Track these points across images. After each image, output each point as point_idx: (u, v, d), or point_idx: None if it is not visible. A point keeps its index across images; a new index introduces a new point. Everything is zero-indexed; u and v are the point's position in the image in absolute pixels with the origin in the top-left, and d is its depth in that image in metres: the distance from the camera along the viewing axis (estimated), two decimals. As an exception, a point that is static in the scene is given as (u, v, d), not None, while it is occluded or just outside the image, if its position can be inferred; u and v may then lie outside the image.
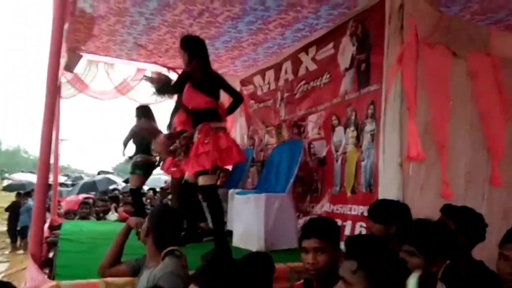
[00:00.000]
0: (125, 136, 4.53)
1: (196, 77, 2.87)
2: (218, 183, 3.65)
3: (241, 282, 1.06)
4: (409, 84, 2.67)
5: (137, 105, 4.85)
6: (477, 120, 2.93)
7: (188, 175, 3.03)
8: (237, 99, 3.15)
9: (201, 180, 2.84)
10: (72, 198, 10.04)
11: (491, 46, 2.98)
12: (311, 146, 3.85)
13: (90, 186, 12.61)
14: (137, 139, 4.45)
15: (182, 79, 2.94)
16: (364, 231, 2.89)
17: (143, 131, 4.28)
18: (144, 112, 4.54)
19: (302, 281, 1.88)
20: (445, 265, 1.56)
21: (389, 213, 2.15)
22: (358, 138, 3.21)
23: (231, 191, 3.86)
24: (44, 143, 2.36)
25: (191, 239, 3.17)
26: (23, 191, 9.45)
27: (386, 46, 2.82)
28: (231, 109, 3.18)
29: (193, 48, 2.97)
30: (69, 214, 6.50)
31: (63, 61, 4.11)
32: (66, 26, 3.25)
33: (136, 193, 4.56)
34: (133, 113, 4.61)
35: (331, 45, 3.58)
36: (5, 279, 6.08)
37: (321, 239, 1.73)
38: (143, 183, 4.67)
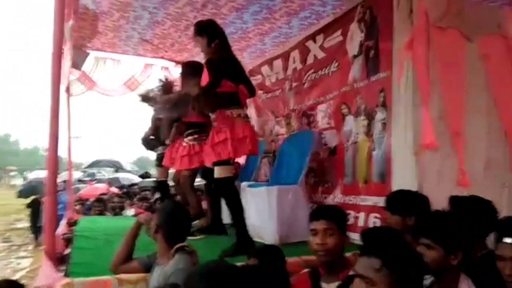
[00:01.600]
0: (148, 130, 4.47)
1: (216, 60, 2.77)
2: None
3: (253, 278, 1.03)
4: (421, 70, 2.59)
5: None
6: (493, 105, 2.84)
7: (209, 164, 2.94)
8: (250, 91, 2.97)
9: (217, 172, 2.76)
10: (90, 190, 10.21)
11: (505, 28, 2.87)
12: (322, 136, 3.80)
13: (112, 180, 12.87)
14: (158, 131, 4.42)
15: (212, 69, 2.72)
16: (378, 223, 2.84)
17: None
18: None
19: (307, 270, 1.85)
20: (463, 258, 1.52)
21: (407, 204, 2.10)
22: (369, 127, 3.15)
23: (243, 184, 3.84)
24: (51, 141, 2.36)
25: (216, 230, 3.14)
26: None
27: (395, 31, 2.74)
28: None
29: (210, 31, 2.89)
30: (86, 207, 6.59)
31: (68, 59, 4.13)
32: (70, 23, 3.25)
33: (162, 185, 4.55)
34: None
35: (339, 32, 3.51)
36: (29, 275, 6.25)
37: (330, 220, 1.79)
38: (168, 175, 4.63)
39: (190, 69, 3.31)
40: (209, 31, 2.89)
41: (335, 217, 1.82)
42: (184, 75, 3.47)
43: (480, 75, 2.81)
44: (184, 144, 3.59)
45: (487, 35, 2.84)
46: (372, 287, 1.16)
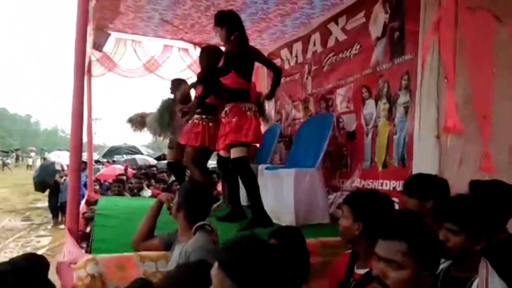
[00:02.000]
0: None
1: (235, 55, 2.89)
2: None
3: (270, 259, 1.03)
4: (447, 52, 2.52)
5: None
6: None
7: (222, 152, 3.18)
8: (277, 72, 3.19)
9: (233, 153, 2.93)
10: (110, 169, 10.42)
11: (539, 9, 2.74)
12: (340, 120, 3.76)
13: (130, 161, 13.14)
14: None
15: (227, 61, 2.91)
16: (397, 207, 2.81)
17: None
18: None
19: (349, 251, 1.85)
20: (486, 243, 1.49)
21: (426, 187, 2.05)
22: (391, 111, 3.09)
23: (260, 166, 3.84)
24: (75, 121, 2.40)
25: (237, 217, 3.19)
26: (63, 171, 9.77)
27: (423, 12, 2.67)
28: (275, 83, 3.23)
29: (230, 23, 2.96)
30: (104, 187, 6.74)
31: (91, 39, 4.15)
32: (92, 3, 3.25)
33: (174, 167, 4.58)
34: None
35: (362, 13, 3.43)
36: (49, 253, 6.46)
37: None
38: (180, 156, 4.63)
39: (206, 54, 3.56)
40: (229, 23, 2.96)
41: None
42: (201, 58, 3.68)
43: (510, 57, 2.71)
44: (195, 121, 3.62)
45: (520, 17, 2.72)
46: (398, 270, 1.15)
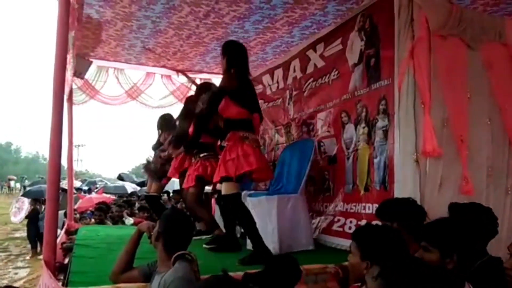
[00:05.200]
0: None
1: (232, 87, 2.81)
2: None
3: None
4: (422, 78, 2.60)
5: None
6: (497, 113, 2.85)
7: (218, 185, 3.09)
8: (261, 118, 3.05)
9: (224, 189, 2.83)
10: (86, 199, 10.23)
11: (506, 36, 2.89)
12: (321, 144, 3.80)
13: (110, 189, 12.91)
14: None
15: (217, 97, 2.85)
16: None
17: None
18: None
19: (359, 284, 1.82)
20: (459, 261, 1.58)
21: (390, 212, 2.20)
22: (370, 135, 3.14)
23: (243, 192, 3.81)
24: (53, 151, 2.35)
25: (230, 248, 3.13)
26: (43, 198, 9.56)
27: (397, 40, 2.75)
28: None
29: (232, 54, 2.92)
30: (84, 216, 6.58)
31: (70, 67, 4.15)
32: (73, 33, 3.26)
33: (153, 200, 4.55)
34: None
35: (339, 41, 3.52)
36: (26, 285, 6.21)
37: None
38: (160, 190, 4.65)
39: (202, 91, 3.52)
40: (230, 54, 2.91)
41: None
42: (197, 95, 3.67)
43: (483, 83, 2.82)
44: (196, 162, 3.61)
45: (488, 43, 2.85)
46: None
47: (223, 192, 2.86)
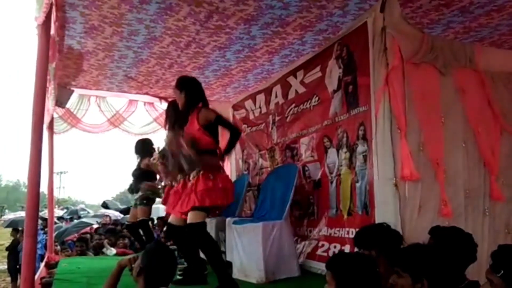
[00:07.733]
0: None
1: (211, 120, 2.86)
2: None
3: None
4: (398, 104, 2.67)
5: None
6: (471, 136, 2.93)
7: (172, 217, 3.02)
8: (234, 133, 3.03)
9: (192, 217, 2.76)
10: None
11: (475, 62, 3.01)
12: (306, 168, 3.83)
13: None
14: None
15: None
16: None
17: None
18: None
19: None
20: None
21: (368, 239, 2.21)
22: (351, 160, 3.19)
23: (228, 219, 3.80)
24: (32, 181, 2.33)
25: (195, 280, 3.06)
26: (21, 228, 9.30)
27: (372, 68, 2.84)
28: (230, 144, 3.02)
29: (193, 90, 2.97)
30: (65, 247, 6.40)
31: (52, 97, 4.13)
32: (53, 64, 3.27)
33: (135, 228, 4.48)
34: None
35: (318, 68, 3.61)
36: (7, 320, 5.92)
37: None
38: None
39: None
40: (186, 89, 2.95)
41: None
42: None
43: (457, 107, 2.91)
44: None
45: (459, 69, 2.96)
46: None
47: (189, 221, 2.77)
